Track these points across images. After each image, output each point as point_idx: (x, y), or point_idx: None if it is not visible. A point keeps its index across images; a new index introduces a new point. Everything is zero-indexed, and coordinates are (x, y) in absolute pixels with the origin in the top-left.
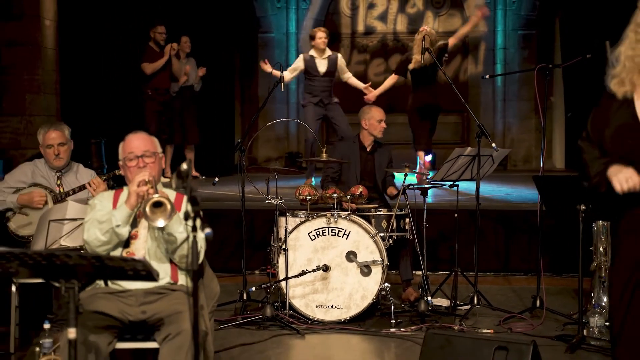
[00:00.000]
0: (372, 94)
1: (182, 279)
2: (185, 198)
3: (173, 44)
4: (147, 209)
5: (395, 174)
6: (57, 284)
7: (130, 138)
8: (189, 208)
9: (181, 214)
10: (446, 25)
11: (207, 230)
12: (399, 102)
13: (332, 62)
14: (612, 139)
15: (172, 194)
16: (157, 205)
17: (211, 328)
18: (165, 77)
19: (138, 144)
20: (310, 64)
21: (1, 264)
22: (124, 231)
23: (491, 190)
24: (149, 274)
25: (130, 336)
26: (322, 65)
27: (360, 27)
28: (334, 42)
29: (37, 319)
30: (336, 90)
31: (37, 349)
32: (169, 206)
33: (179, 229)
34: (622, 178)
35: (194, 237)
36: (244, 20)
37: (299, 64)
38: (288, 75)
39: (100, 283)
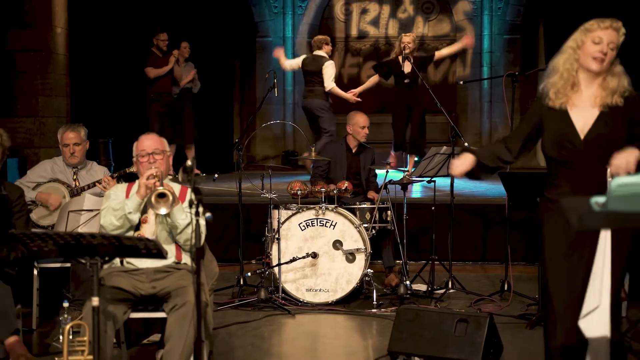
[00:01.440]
0: (354, 91)
1: (186, 259)
2: (189, 190)
3: (175, 51)
4: (152, 198)
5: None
6: (83, 261)
7: (142, 138)
8: (193, 197)
9: (185, 203)
10: (436, 30)
11: (208, 214)
12: (391, 102)
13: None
14: (551, 145)
15: (177, 187)
16: (161, 196)
17: (211, 302)
18: (167, 81)
19: (149, 144)
20: None
21: (37, 244)
22: (135, 217)
23: (473, 186)
24: (159, 252)
25: (142, 307)
26: None
27: (354, 32)
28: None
29: (56, 300)
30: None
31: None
32: (170, 197)
33: (181, 217)
34: (452, 169)
35: (197, 220)
36: (242, 25)
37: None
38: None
39: (117, 262)
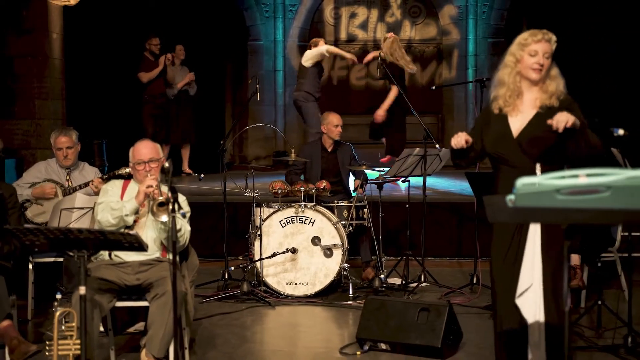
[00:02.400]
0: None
1: (171, 256)
2: (181, 197)
3: (167, 54)
4: (154, 207)
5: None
6: (71, 253)
7: (138, 146)
8: (169, 195)
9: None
10: (422, 34)
11: (182, 211)
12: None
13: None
14: (490, 144)
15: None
16: (161, 205)
17: (191, 292)
18: (160, 83)
19: (146, 152)
20: (319, 65)
21: (30, 238)
22: (130, 219)
23: (452, 185)
24: (140, 245)
25: (126, 297)
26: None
27: (343, 35)
28: None
29: (50, 293)
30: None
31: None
32: (170, 206)
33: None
34: (453, 138)
35: (173, 217)
36: (234, 29)
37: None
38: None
39: (104, 255)
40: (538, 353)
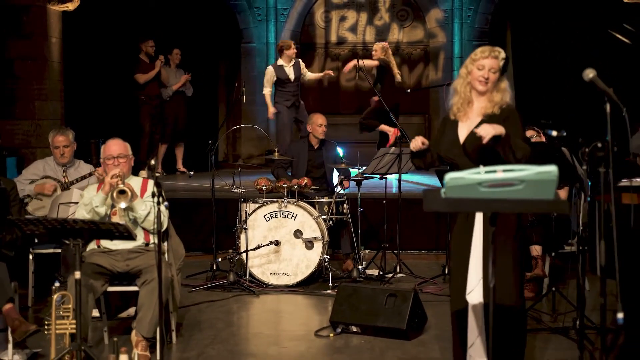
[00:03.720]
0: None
1: (154, 240)
2: (150, 183)
3: (161, 57)
4: (114, 194)
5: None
6: (67, 242)
7: (109, 143)
8: (155, 189)
9: (145, 195)
10: (410, 36)
11: (165, 203)
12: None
13: (297, 68)
14: (443, 149)
15: (137, 183)
16: (121, 192)
17: (178, 280)
18: (155, 85)
19: (115, 148)
20: (280, 72)
21: (30, 228)
22: (102, 210)
23: (436, 182)
24: (129, 234)
25: (118, 282)
26: (291, 73)
27: (333, 38)
28: (309, 51)
29: (48, 282)
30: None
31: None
32: (129, 194)
33: (141, 208)
34: (412, 142)
35: (158, 208)
36: (228, 31)
37: (270, 75)
38: (268, 90)
39: (93, 244)
40: (474, 337)
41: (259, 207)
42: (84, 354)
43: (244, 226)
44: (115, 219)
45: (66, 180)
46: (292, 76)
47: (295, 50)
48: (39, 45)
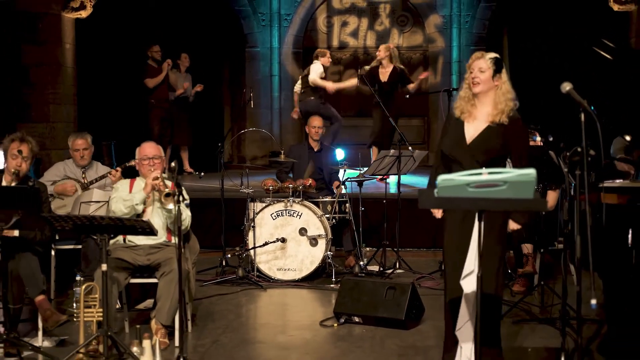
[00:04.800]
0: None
1: (175, 239)
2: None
3: (168, 60)
4: (162, 198)
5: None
6: (94, 237)
7: (144, 146)
8: (176, 189)
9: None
10: (410, 41)
11: (186, 201)
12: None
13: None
14: (448, 147)
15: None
16: (167, 195)
17: (193, 273)
18: (164, 88)
19: (150, 150)
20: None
21: (61, 224)
22: (140, 208)
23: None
24: (151, 230)
25: (139, 275)
26: None
27: (335, 42)
28: (311, 55)
29: (68, 277)
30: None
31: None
32: (175, 196)
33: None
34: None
35: (179, 206)
36: (233, 36)
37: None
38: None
39: (120, 239)
40: (464, 321)
41: (266, 206)
42: (109, 339)
43: (252, 224)
44: (144, 216)
45: (85, 181)
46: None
47: (330, 60)
48: (53, 52)
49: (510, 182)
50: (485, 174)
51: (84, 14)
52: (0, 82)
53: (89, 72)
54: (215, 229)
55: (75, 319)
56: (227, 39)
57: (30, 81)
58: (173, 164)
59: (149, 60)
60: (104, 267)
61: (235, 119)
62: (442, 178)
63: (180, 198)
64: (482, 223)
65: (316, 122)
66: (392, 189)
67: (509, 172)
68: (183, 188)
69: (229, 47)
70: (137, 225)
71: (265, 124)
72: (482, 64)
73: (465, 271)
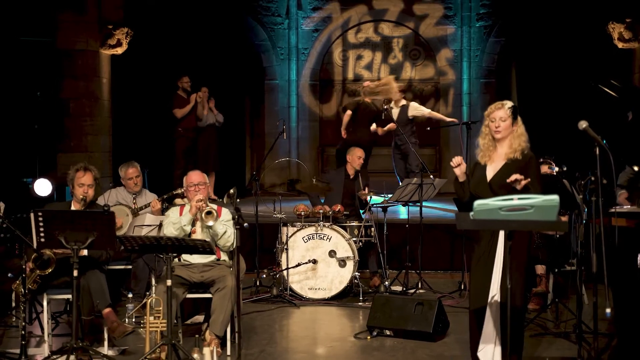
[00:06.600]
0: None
1: (224, 257)
2: (223, 209)
3: (198, 93)
4: (203, 215)
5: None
6: (160, 255)
7: (190, 174)
8: (234, 213)
9: (222, 217)
10: (422, 74)
11: (246, 224)
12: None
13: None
14: (473, 186)
15: (214, 207)
16: (208, 213)
17: (240, 287)
18: (192, 118)
19: (195, 177)
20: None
21: (130, 243)
22: (188, 228)
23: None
24: (211, 249)
25: (194, 290)
26: (395, 114)
27: (350, 75)
28: (327, 87)
29: (116, 294)
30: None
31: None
32: (215, 214)
33: (220, 227)
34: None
35: (236, 229)
36: (253, 69)
37: None
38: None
39: (176, 259)
40: (490, 329)
41: (298, 230)
42: (172, 348)
43: (285, 247)
44: (194, 236)
45: (135, 207)
46: (395, 117)
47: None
48: (91, 86)
49: (537, 207)
50: (515, 199)
51: (120, 50)
52: (41, 114)
53: (124, 104)
54: (247, 252)
55: (142, 328)
56: (247, 72)
57: (69, 113)
58: (232, 191)
59: (178, 90)
60: (169, 282)
61: (270, 150)
62: (478, 203)
63: (237, 220)
64: (511, 242)
65: (360, 152)
66: (402, 215)
67: (536, 198)
68: (224, 209)
69: (250, 79)
70: (198, 244)
71: (283, 153)
72: (502, 113)
73: (492, 292)
